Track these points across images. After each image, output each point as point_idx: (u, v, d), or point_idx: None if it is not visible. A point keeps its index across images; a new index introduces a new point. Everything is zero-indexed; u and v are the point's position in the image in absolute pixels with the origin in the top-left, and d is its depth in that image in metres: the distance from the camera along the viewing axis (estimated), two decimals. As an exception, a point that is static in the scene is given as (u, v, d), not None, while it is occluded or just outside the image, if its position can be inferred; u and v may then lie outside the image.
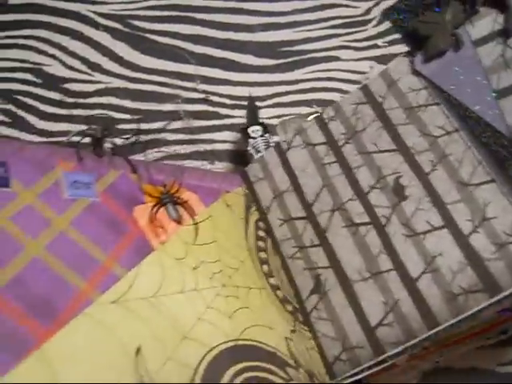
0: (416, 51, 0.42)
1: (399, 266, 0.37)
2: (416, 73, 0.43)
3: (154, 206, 0.37)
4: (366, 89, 0.43)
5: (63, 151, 0.36)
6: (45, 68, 0.54)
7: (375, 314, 0.37)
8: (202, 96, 0.52)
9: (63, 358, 0.27)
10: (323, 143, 0.43)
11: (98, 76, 0.53)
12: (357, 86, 0.43)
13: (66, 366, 0.27)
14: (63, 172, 0.34)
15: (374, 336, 0.36)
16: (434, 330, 0.35)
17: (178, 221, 0.38)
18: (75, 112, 0.51)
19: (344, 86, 0.57)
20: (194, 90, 0.53)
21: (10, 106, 0.51)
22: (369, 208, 0.40)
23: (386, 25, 0.55)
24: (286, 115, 0.54)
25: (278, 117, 0.52)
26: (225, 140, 0.52)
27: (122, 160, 0.38)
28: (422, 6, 0.46)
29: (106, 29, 0.54)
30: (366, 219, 0.39)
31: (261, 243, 0.42)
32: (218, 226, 0.40)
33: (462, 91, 0.42)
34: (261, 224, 0.44)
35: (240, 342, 0.35)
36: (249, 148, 0.46)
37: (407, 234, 0.37)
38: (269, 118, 0.53)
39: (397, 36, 0.53)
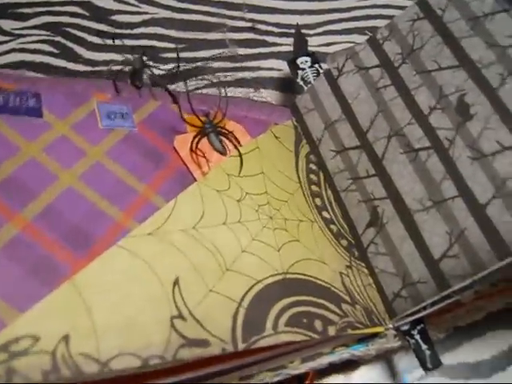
0: None
1: (465, 192, 0.33)
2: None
3: (196, 135, 0.35)
4: (422, 3, 0.38)
5: (100, 83, 0.35)
6: (94, 1, 0.54)
7: (439, 246, 0.33)
8: (248, 24, 0.50)
9: (95, 289, 0.26)
10: (377, 66, 0.39)
11: (144, 7, 0.53)
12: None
13: (98, 296, 0.26)
14: (98, 102, 0.33)
15: (438, 269, 0.33)
16: (505, 261, 0.31)
17: (222, 152, 0.36)
18: (121, 42, 0.49)
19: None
20: (241, 18, 0.51)
21: (59, 38, 0.51)
22: (429, 131, 0.36)
23: None
24: (338, 43, 0.51)
25: (328, 45, 0.49)
26: (271, 67, 0.49)
27: (162, 91, 0.36)
28: None
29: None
30: (427, 143, 0.35)
31: (313, 176, 0.40)
32: (266, 158, 0.37)
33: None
34: (312, 157, 0.41)
35: (289, 276, 0.33)
36: (298, 80, 0.43)
37: (474, 157, 0.33)
38: (318, 46, 0.49)
39: None
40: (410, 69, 0.38)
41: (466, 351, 0.39)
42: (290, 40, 0.47)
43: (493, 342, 0.40)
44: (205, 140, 0.36)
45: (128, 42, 0.46)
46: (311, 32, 0.51)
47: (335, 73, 0.41)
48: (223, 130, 0.36)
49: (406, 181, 0.36)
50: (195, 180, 0.33)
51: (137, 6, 0.53)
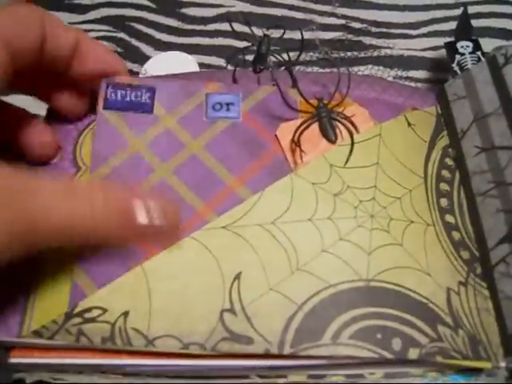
0: None
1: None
2: None
3: (304, 122, 0.34)
4: None
5: (217, 73, 0.36)
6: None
7: None
8: (341, 22, 0.40)
9: (160, 276, 0.29)
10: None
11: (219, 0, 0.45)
12: None
13: (160, 283, 0.29)
14: (207, 94, 0.34)
15: None
16: None
17: (331, 140, 0.33)
18: (193, 40, 0.44)
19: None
20: (332, 14, 0.41)
21: (122, 35, 0.46)
22: None
23: None
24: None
25: (435, 49, 0.38)
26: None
27: (284, 74, 0.35)
28: None
29: None
30: None
31: (445, 172, 0.34)
32: (387, 147, 0.33)
33: None
34: (450, 151, 0.35)
35: (374, 284, 0.30)
36: (453, 65, 0.36)
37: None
38: (423, 50, 0.39)
39: None
40: None
41: None
42: (390, 42, 0.39)
43: None
44: (315, 127, 0.34)
45: (200, 41, 0.41)
46: (413, 33, 0.40)
47: (501, 60, 0.33)
48: (339, 115, 0.34)
49: None
50: (292, 171, 0.32)
51: (209, -1, 0.44)
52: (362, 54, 0.42)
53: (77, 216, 0.23)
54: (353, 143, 0.33)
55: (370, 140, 0.34)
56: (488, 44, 0.39)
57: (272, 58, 0.35)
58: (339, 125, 0.34)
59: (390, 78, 0.41)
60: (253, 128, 0.34)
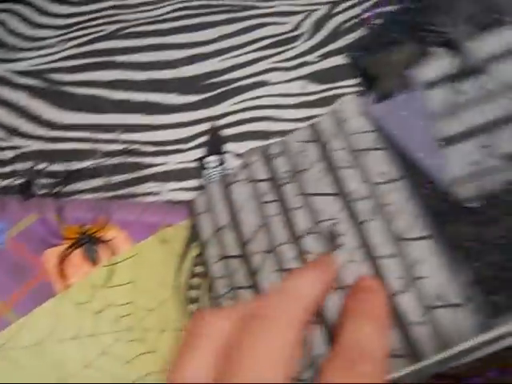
0: (368, 91, 0.36)
1: (324, 320, 0.33)
2: (365, 114, 0.37)
3: (69, 247, 0.38)
4: (314, 127, 0.39)
5: None
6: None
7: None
8: (122, 147, 0.46)
9: None
10: (266, 180, 0.40)
11: (15, 141, 0.47)
12: (289, 110, 0.39)
13: None
14: None
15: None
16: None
17: (94, 263, 0.38)
18: None
19: (274, 113, 0.51)
20: (115, 141, 0.47)
21: None
22: (302, 254, 0.36)
23: (319, 37, 0.47)
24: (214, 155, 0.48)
25: (201, 159, 0.48)
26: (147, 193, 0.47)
27: (50, 202, 0.39)
28: (378, 45, 0.38)
29: (24, 87, 0.48)
30: (298, 265, 0.36)
31: (195, 280, 0.41)
32: (142, 265, 0.39)
33: (408, 137, 0.35)
34: (199, 260, 0.42)
35: (132, 389, 0.35)
36: (202, 179, 0.44)
37: (335, 287, 0.33)
38: (190, 162, 0.48)
39: (332, 47, 0.46)
40: (294, 188, 0.38)
41: None
42: (166, 159, 0.46)
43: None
44: (79, 251, 0.38)
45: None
46: (185, 147, 0.49)
47: (230, 179, 0.42)
48: (100, 240, 0.39)
49: (275, 300, 0.37)
50: (57, 293, 0.36)
51: (5, 140, 0.47)
52: (141, 174, 0.46)
53: None
54: (112, 264, 0.38)
55: (127, 260, 0.39)
56: (250, 146, 0.47)
57: (41, 186, 0.38)
58: (100, 248, 0.38)
59: (166, 192, 0.46)
60: (19, 254, 0.36)
